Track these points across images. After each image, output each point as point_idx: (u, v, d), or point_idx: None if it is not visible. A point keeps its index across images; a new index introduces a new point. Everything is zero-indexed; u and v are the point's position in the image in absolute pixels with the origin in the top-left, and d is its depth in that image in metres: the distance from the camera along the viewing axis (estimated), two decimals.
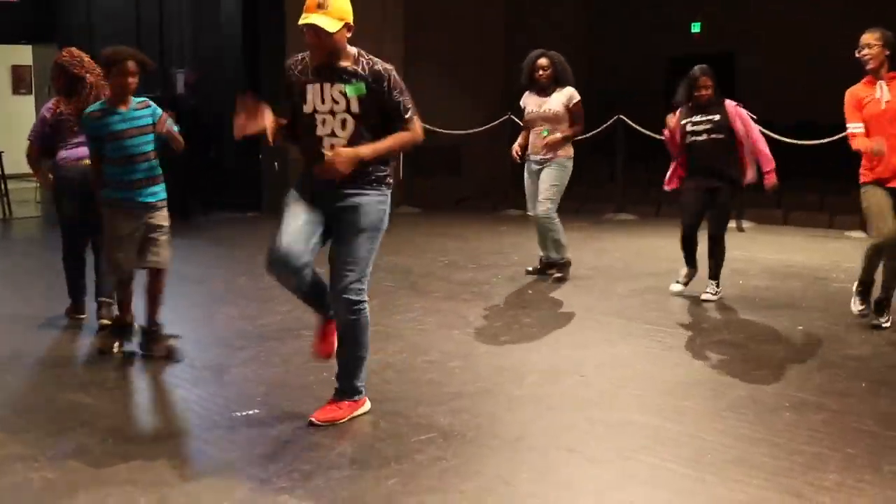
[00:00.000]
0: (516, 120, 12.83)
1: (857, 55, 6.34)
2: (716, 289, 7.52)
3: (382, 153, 4.50)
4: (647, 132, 12.36)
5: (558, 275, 8.33)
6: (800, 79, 14.86)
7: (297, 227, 4.46)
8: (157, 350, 5.84)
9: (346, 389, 4.68)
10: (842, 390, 5.20)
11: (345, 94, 4.43)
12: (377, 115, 4.46)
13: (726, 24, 16.25)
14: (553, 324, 6.83)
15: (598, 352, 6.04)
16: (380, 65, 4.47)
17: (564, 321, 6.93)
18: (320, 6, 4.33)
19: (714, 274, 7.54)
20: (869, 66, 6.32)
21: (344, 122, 4.46)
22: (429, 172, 14.33)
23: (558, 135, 8.05)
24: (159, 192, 5.84)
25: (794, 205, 12.56)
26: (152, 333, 5.89)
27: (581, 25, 17.32)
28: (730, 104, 7.40)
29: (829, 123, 10.37)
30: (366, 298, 4.57)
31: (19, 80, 19.39)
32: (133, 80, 5.69)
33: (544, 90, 8.15)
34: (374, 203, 4.53)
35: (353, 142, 4.45)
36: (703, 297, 7.47)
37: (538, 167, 8.23)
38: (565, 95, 8.11)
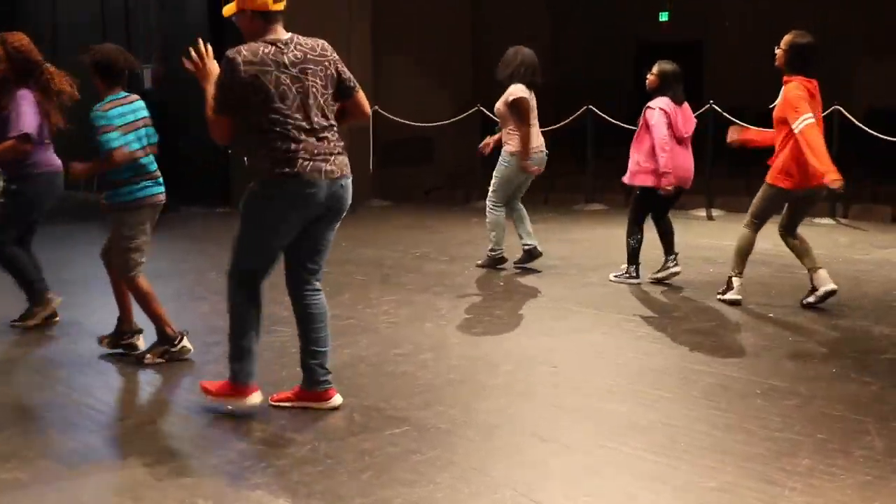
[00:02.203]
0: (486, 112, 12.86)
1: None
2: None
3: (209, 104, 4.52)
4: (616, 122, 12.39)
5: (479, 262, 8.58)
6: (768, 67, 14.93)
7: None
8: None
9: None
10: (812, 376, 5.25)
11: None
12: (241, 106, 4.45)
13: (694, 12, 16.31)
14: (525, 314, 6.84)
15: (570, 341, 6.05)
16: (229, 51, 4.43)
17: (536, 311, 6.95)
18: None
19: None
20: (776, 65, 6.71)
21: None
22: (399, 164, 14.29)
23: (496, 136, 8.36)
24: None
25: None
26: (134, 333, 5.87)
27: (547, 15, 17.31)
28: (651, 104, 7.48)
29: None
30: (234, 281, 4.65)
31: None
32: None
33: (503, 88, 8.17)
34: (247, 194, 4.54)
35: (240, 135, 4.53)
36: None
37: None
38: (505, 93, 8.10)
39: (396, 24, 14.40)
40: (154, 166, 5.74)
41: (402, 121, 13.69)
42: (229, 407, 4.70)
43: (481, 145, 8.62)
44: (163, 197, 5.77)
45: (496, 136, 8.39)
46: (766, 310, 6.78)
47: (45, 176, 6.43)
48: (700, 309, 6.91)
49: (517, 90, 7.98)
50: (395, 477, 3.91)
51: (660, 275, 7.67)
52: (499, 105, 8.12)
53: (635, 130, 7.58)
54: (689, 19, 16.39)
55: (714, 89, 13.26)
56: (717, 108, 11.59)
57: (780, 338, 6.07)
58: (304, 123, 4.47)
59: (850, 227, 10.73)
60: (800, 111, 6.41)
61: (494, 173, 8.27)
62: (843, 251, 9.06)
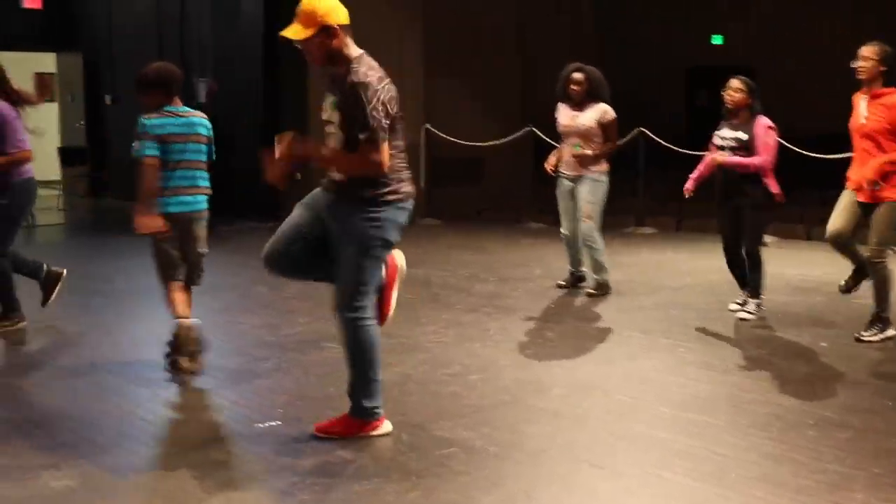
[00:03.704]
0: (537, 132, 12.85)
1: (852, 65, 6.39)
2: (753, 307, 7.24)
3: (329, 161, 4.43)
4: (668, 144, 12.33)
5: (592, 291, 8.24)
6: (820, 92, 14.82)
7: (282, 230, 4.55)
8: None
9: (354, 409, 4.62)
10: (866, 408, 5.15)
11: (330, 106, 4.39)
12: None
13: (746, 36, 16.24)
14: (575, 338, 6.81)
15: (620, 366, 6.01)
16: (357, 76, 4.22)
17: (586, 335, 6.91)
18: (296, 15, 4.30)
19: (751, 292, 7.28)
20: (861, 78, 6.40)
21: (334, 135, 4.38)
22: (450, 183, 14.32)
23: (588, 151, 8.03)
24: None
25: (817, 220, 12.45)
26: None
27: (595, 37, 17.29)
28: (761, 125, 7.05)
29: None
30: (363, 315, 4.49)
31: (43, 88, 19.34)
32: None
33: (578, 104, 8.11)
34: (357, 219, 4.35)
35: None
36: (739, 314, 7.23)
37: (570, 183, 8.22)
38: (599, 111, 8.02)
39: (447, 45, 14.44)
40: (198, 181, 5.76)
41: (454, 139, 13.72)
42: (274, 423, 4.71)
43: (548, 164, 8.38)
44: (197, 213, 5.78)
45: (559, 155, 8.31)
46: (819, 339, 6.67)
47: (30, 182, 6.67)
48: (753, 337, 6.83)
49: (610, 109, 8.07)
50: (442, 498, 3.90)
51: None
52: (590, 123, 8.01)
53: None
54: (741, 43, 16.31)
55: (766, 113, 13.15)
56: None
57: (833, 368, 5.98)
58: (401, 142, 4.44)
59: None
60: None
61: (588, 198, 8.11)
62: None
